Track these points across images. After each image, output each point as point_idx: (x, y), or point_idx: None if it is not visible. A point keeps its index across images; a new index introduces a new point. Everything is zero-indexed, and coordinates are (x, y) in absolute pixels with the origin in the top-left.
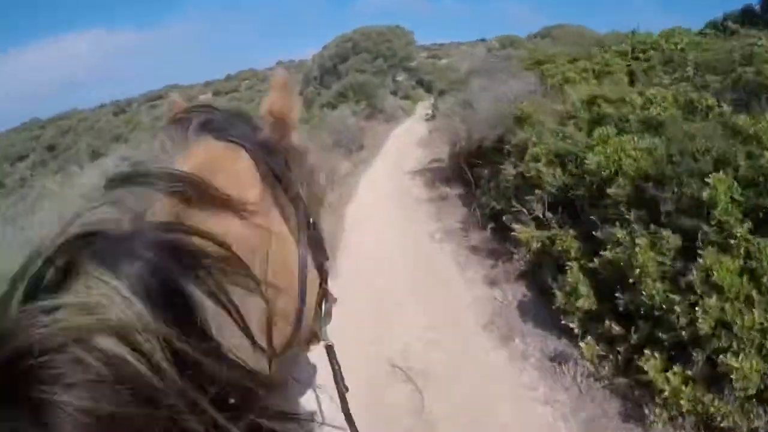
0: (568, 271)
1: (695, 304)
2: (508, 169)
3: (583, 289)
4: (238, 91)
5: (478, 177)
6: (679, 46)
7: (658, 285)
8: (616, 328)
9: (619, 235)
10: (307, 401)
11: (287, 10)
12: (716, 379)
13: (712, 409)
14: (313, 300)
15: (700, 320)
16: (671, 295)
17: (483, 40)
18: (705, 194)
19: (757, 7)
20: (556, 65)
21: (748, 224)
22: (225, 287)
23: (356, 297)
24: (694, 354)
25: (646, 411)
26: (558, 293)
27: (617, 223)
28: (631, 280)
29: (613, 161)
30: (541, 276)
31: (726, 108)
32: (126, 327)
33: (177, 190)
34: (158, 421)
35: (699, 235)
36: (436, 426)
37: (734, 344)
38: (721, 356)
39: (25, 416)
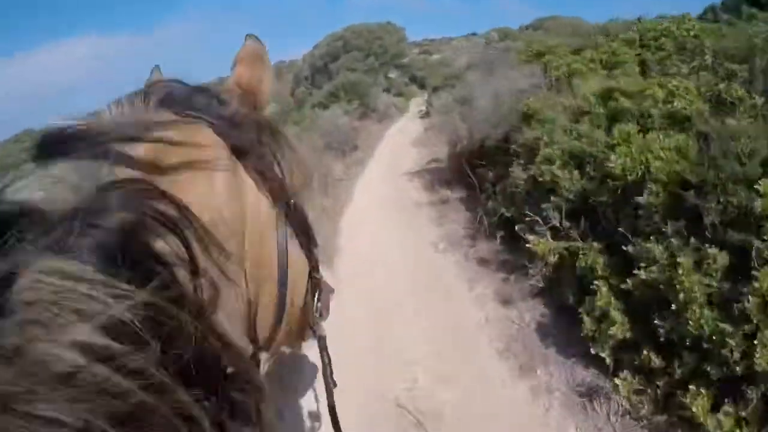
0: (597, 293)
1: (752, 335)
2: (517, 172)
3: (616, 314)
4: None
5: (482, 179)
6: (691, 33)
7: (707, 312)
8: (656, 360)
9: (656, 252)
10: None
11: (287, 10)
12: None
13: None
14: (303, 289)
15: (757, 354)
16: (721, 324)
17: (474, 34)
18: (758, 204)
19: None
20: (559, 56)
21: None
22: (195, 252)
23: (355, 320)
24: (749, 392)
25: None
26: (586, 319)
27: (651, 237)
28: (673, 306)
29: (640, 163)
30: (560, 294)
31: (758, 100)
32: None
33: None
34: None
35: (753, 252)
36: None
37: None
38: None
39: None
